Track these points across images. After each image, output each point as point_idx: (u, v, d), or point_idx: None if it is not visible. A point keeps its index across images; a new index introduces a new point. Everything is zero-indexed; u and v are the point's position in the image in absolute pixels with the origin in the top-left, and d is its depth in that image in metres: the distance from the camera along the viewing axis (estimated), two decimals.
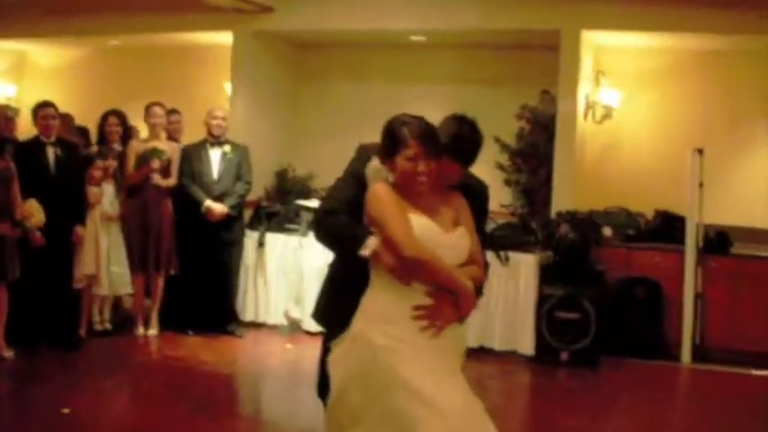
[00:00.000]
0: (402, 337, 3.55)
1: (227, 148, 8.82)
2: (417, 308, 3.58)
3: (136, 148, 8.71)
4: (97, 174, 8.37)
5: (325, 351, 3.85)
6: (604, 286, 8.60)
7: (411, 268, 3.53)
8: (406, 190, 3.63)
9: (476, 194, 3.92)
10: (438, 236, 3.62)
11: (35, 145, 8.04)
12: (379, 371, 3.51)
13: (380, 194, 3.62)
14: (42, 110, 8.11)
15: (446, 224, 3.69)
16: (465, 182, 3.84)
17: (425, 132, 3.61)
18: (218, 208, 8.54)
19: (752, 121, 9.56)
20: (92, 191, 8.33)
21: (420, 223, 3.58)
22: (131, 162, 8.65)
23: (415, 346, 3.56)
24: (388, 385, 3.49)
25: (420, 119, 3.67)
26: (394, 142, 3.62)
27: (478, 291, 3.75)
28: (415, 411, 3.43)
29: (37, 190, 7.71)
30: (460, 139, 3.70)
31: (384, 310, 3.61)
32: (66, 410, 6.28)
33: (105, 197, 8.45)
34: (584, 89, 9.55)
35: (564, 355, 8.31)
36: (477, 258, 3.77)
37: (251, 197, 9.31)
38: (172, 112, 9.15)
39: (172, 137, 9.09)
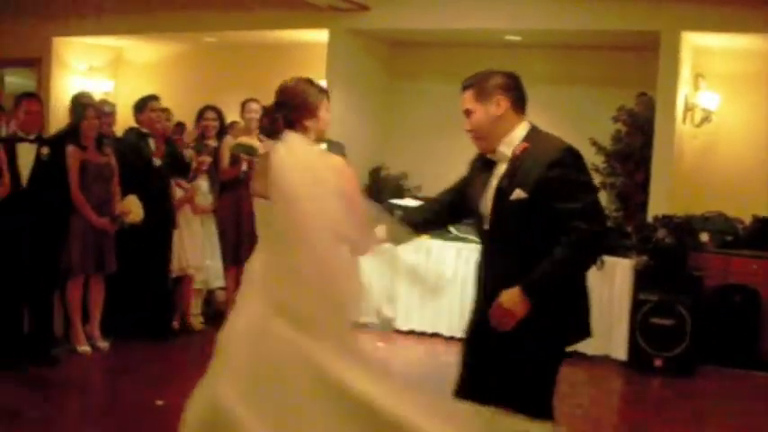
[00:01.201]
0: None
1: (323, 145, 8.81)
2: None
3: (230, 144, 8.79)
4: (193, 168, 8.46)
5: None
6: (701, 293, 8.43)
7: None
8: None
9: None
10: None
11: (138, 138, 8.16)
12: None
13: None
14: (151, 103, 8.23)
15: None
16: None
17: None
18: None
19: None
20: (187, 185, 8.42)
21: None
22: (226, 158, 8.74)
23: None
24: None
25: None
26: None
27: None
28: None
29: (140, 183, 7.84)
30: None
31: None
32: (160, 402, 6.35)
33: (200, 191, 8.54)
34: (683, 91, 9.38)
35: (658, 362, 8.18)
36: None
37: None
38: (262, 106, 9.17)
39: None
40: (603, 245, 3.95)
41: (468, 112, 4.02)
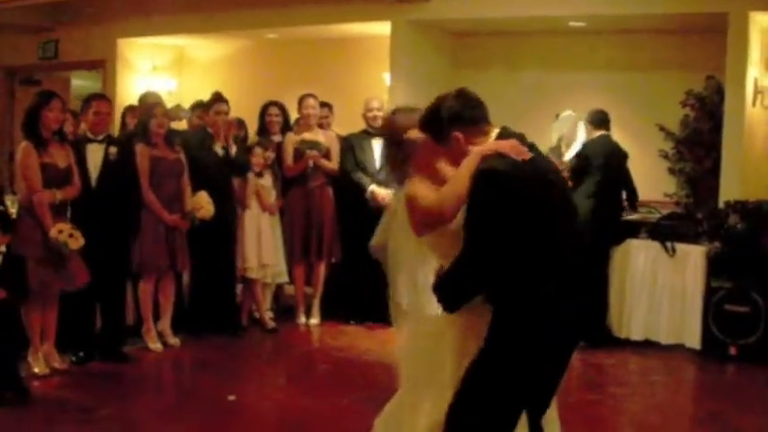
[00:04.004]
0: None
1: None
2: None
3: (293, 140, 8.80)
4: (257, 162, 8.48)
5: None
6: None
7: None
8: None
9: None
10: None
11: (204, 137, 8.23)
12: None
13: None
14: (216, 105, 8.30)
15: None
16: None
17: None
18: (383, 192, 8.49)
19: None
20: (252, 180, 8.45)
21: None
22: (290, 155, 8.76)
23: None
24: None
25: None
26: None
27: None
28: None
29: (205, 181, 7.90)
30: None
31: None
32: (232, 398, 6.39)
33: (264, 187, 8.55)
34: (752, 74, 9.18)
35: (732, 350, 8.02)
36: None
37: None
38: (322, 105, 9.19)
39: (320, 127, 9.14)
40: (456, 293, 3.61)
41: (433, 156, 3.85)
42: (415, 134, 3.94)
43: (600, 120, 8.62)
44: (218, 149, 8.19)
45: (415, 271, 4.07)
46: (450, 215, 3.58)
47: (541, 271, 3.51)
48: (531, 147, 3.66)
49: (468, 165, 3.54)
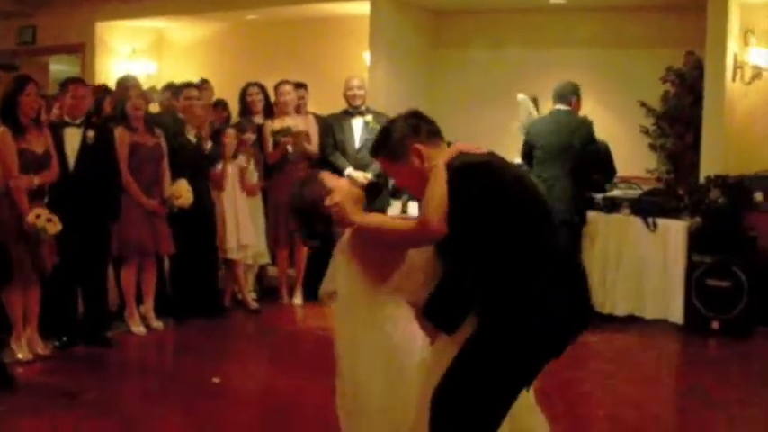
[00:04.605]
0: None
1: (368, 117, 8.81)
2: None
3: (271, 127, 8.80)
4: (229, 143, 8.43)
5: None
6: (757, 253, 8.27)
7: None
8: None
9: None
10: None
11: (174, 122, 8.20)
12: None
13: None
14: (186, 90, 8.27)
15: None
16: None
17: None
18: (360, 176, 8.48)
19: None
20: (229, 166, 8.42)
21: None
22: (269, 142, 8.76)
23: None
24: None
25: None
26: None
27: None
28: None
29: (181, 166, 7.88)
30: None
31: None
32: (216, 380, 6.39)
33: (239, 168, 8.53)
34: (732, 49, 9.19)
35: (715, 324, 8.07)
36: None
37: None
38: (297, 86, 9.17)
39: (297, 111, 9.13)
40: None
41: (394, 177, 3.85)
42: (334, 199, 3.90)
43: (557, 95, 8.23)
44: (191, 137, 8.15)
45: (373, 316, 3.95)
46: (442, 226, 3.43)
47: (533, 264, 3.46)
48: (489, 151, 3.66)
49: (437, 174, 3.48)
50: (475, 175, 3.45)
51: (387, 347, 3.85)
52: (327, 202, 3.89)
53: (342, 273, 3.94)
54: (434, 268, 3.70)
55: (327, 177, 4.02)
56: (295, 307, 8.85)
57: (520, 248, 3.45)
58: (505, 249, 3.43)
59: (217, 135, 8.44)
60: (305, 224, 4.06)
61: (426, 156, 3.60)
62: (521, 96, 8.89)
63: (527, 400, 3.81)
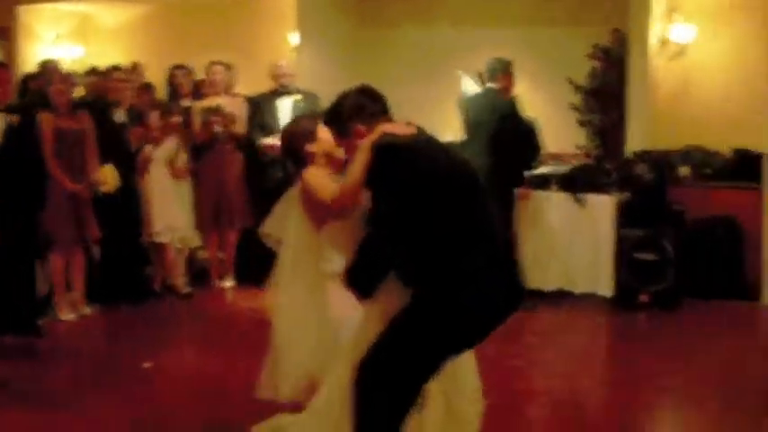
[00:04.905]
0: None
1: (297, 96, 8.79)
2: None
3: (198, 107, 8.73)
4: (154, 126, 8.36)
5: None
6: (683, 226, 8.43)
7: None
8: None
9: None
10: None
11: (102, 106, 8.10)
12: None
13: None
14: (115, 73, 8.20)
15: None
16: None
17: None
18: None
19: None
20: (147, 147, 8.35)
21: None
22: (197, 122, 8.70)
23: None
24: None
25: None
26: None
27: None
28: None
29: (109, 149, 7.79)
30: None
31: None
32: (147, 365, 6.34)
33: (166, 152, 8.45)
34: (656, 26, 9.30)
35: (644, 297, 8.20)
36: None
37: None
38: (226, 68, 9.13)
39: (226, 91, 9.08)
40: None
41: (343, 148, 3.98)
42: (313, 147, 4.22)
43: (487, 74, 8.21)
44: (121, 115, 8.07)
45: (312, 265, 4.20)
46: (351, 203, 3.72)
47: (464, 240, 3.53)
48: (419, 129, 3.79)
49: (361, 152, 3.62)
50: (395, 156, 3.57)
51: (325, 305, 4.09)
52: (308, 147, 4.22)
53: (293, 225, 4.18)
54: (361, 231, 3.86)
55: (321, 128, 4.18)
56: (226, 290, 8.81)
57: (448, 225, 3.53)
58: (433, 226, 3.51)
59: (141, 118, 8.34)
60: (285, 148, 4.42)
61: (365, 133, 3.76)
62: (459, 72, 8.97)
63: (471, 379, 3.99)
